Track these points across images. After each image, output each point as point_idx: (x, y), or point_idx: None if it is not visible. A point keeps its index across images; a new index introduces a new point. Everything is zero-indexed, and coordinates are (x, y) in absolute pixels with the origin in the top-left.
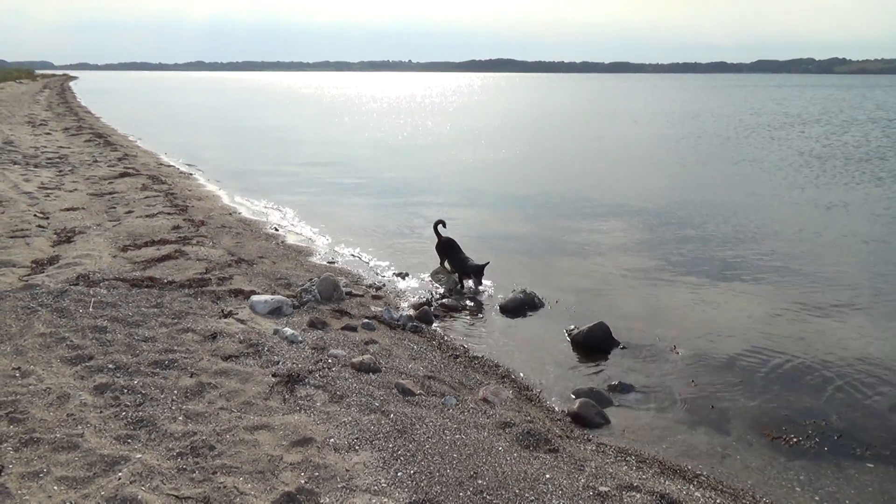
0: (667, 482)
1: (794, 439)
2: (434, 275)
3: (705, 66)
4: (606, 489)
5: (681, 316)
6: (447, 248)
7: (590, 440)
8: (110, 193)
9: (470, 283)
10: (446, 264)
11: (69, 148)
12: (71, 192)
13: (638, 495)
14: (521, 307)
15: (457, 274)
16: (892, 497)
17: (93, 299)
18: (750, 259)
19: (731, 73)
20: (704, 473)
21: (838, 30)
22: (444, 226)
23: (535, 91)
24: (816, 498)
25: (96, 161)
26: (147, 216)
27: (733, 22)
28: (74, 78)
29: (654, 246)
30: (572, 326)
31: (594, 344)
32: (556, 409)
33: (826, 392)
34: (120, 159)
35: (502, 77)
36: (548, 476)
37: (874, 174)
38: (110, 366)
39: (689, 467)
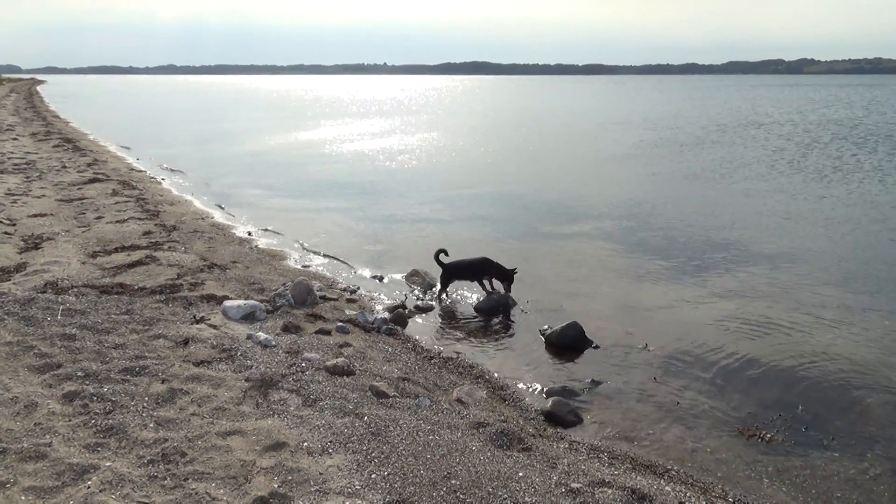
0: (638, 477)
1: (763, 432)
2: (409, 277)
3: (678, 68)
4: (578, 486)
5: (652, 315)
6: (457, 273)
7: (563, 438)
8: (79, 199)
9: (490, 287)
10: (445, 295)
11: (37, 153)
12: (39, 198)
13: (610, 491)
14: (495, 308)
15: (481, 283)
16: (856, 485)
17: (61, 307)
18: (720, 259)
19: (703, 74)
20: (675, 468)
21: (807, 31)
22: (447, 254)
23: (511, 93)
24: (784, 489)
25: (65, 167)
26: (117, 222)
27: (705, 24)
28: (42, 82)
29: (627, 247)
30: (546, 326)
31: (567, 343)
32: (530, 408)
33: (793, 386)
34: (89, 164)
35: (478, 79)
36: (521, 474)
37: (848, 173)
38: (79, 373)
39: (660, 462)
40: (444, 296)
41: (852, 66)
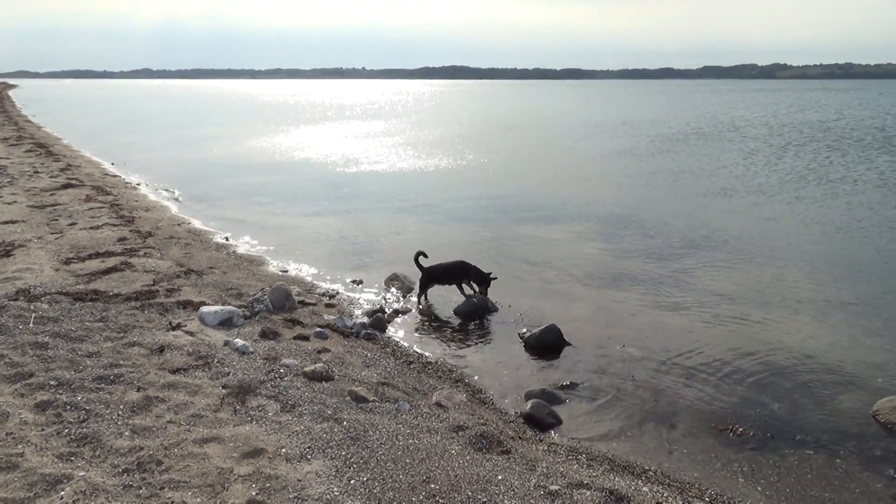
0: (616, 478)
1: (739, 429)
2: (388, 281)
3: (654, 72)
4: (557, 488)
5: (630, 316)
6: (436, 276)
7: (541, 440)
8: (52, 205)
9: (469, 291)
10: (424, 298)
11: (8, 159)
12: (10, 204)
13: (588, 492)
14: (474, 311)
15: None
16: (829, 482)
17: (33, 314)
18: (696, 260)
19: (680, 79)
20: (652, 468)
21: (780, 37)
22: (426, 256)
23: (490, 97)
24: (759, 487)
25: (37, 172)
26: (91, 228)
27: (680, 29)
28: (14, 86)
29: (604, 250)
30: (525, 329)
31: (546, 345)
32: (509, 410)
33: (768, 385)
34: (63, 170)
35: (456, 84)
36: (500, 477)
37: (822, 175)
38: (52, 382)
39: (638, 463)
40: (422, 299)
41: (823, 70)
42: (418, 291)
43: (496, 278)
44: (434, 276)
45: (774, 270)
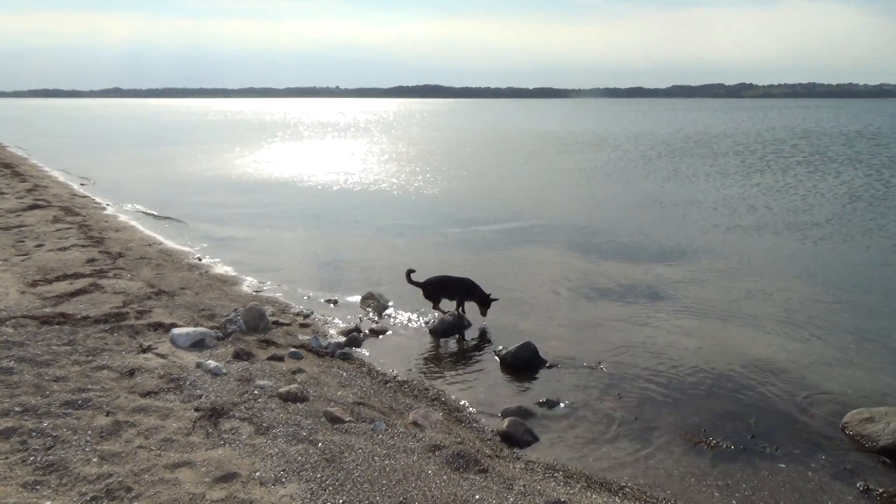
0: (593, 496)
1: (713, 444)
2: (363, 300)
3: (624, 91)
4: None
5: (604, 333)
6: (445, 288)
7: (519, 458)
8: (18, 227)
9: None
10: (439, 309)
11: None
12: None
13: None
14: (450, 329)
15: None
16: (802, 494)
17: None
18: (670, 275)
19: (649, 98)
20: (629, 484)
21: (746, 57)
22: (414, 272)
23: (463, 116)
24: (733, 501)
25: (2, 193)
26: (59, 249)
27: (650, 50)
28: None
29: (579, 266)
30: (500, 347)
31: (522, 363)
32: (486, 429)
33: (741, 398)
34: (29, 190)
35: (431, 102)
36: (477, 497)
37: (791, 187)
38: (17, 409)
39: (615, 479)
40: (440, 309)
41: (788, 90)
42: (433, 306)
43: (497, 300)
44: (443, 287)
45: (748, 284)
